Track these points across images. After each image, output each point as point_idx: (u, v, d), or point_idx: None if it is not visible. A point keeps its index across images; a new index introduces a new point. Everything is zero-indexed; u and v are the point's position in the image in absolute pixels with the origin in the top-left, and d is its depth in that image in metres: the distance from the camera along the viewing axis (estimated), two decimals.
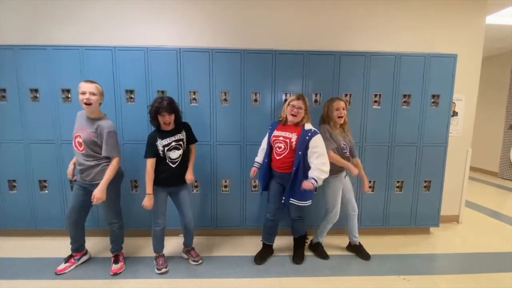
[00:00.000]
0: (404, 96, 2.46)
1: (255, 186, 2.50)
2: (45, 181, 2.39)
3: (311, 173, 1.83)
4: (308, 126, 1.91)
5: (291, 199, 1.94)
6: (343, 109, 2.04)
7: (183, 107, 2.26)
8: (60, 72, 2.27)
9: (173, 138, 1.92)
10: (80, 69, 2.27)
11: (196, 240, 2.27)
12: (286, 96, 2.40)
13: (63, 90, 2.30)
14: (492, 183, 4.89)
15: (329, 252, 2.27)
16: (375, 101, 2.45)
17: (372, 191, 2.55)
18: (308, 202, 1.95)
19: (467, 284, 1.95)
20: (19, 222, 2.43)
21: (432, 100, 2.47)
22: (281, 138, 1.95)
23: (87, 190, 1.89)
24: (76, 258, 2.06)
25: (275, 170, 2.03)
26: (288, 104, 1.95)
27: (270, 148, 2.06)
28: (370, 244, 2.36)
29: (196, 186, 2.47)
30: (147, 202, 1.89)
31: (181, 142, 1.96)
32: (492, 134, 5.35)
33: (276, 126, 2.05)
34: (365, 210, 2.55)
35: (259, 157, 2.17)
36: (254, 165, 2.19)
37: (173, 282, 1.91)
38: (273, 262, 2.18)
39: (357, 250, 2.27)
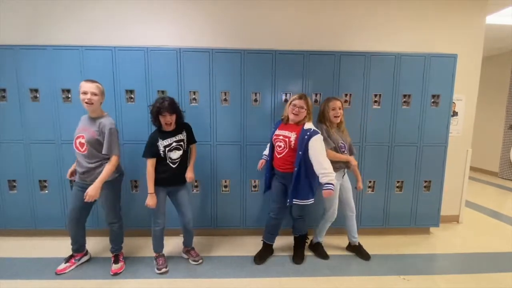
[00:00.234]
0: (404, 96, 2.45)
1: (255, 186, 2.50)
2: (45, 181, 2.39)
3: (322, 180, 1.80)
4: (308, 125, 1.91)
5: (294, 200, 1.95)
6: (340, 108, 2.05)
7: (183, 107, 2.24)
8: (60, 72, 2.27)
9: (174, 139, 1.93)
10: (80, 69, 2.27)
11: (196, 240, 2.27)
12: (286, 96, 2.40)
13: (63, 90, 2.30)
14: (492, 183, 4.88)
15: (329, 252, 2.27)
16: (375, 101, 2.45)
17: (372, 191, 2.55)
18: (311, 200, 1.96)
19: (467, 284, 1.95)
20: (19, 222, 2.43)
21: (432, 100, 2.47)
22: (281, 137, 1.96)
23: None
24: (76, 258, 2.06)
25: (277, 169, 2.03)
26: (290, 103, 1.95)
27: (272, 146, 2.07)
28: (370, 244, 2.36)
29: (196, 186, 2.47)
30: (150, 201, 1.89)
31: (181, 143, 1.96)
32: (492, 134, 5.35)
33: (279, 125, 2.06)
34: (365, 210, 2.55)
35: (267, 151, 2.18)
36: (263, 157, 2.22)
37: (173, 282, 1.91)
38: (273, 262, 2.18)
39: (357, 250, 2.28)
